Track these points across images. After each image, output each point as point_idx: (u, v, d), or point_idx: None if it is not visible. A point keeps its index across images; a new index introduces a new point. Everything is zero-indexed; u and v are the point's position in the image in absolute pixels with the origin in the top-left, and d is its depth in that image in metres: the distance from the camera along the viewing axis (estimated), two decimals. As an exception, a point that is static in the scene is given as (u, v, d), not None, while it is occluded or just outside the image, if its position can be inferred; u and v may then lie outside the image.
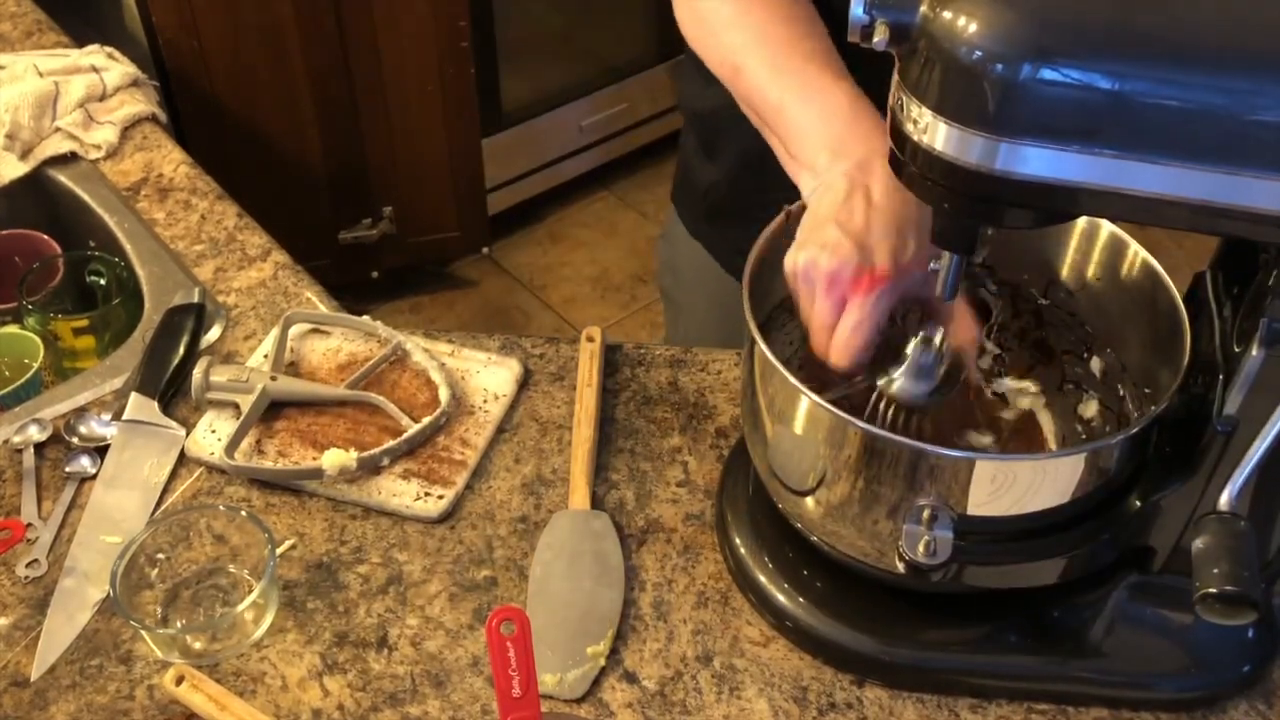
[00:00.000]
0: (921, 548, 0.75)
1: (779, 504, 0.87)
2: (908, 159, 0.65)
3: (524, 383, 1.07)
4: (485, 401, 1.04)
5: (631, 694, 0.85)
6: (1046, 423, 0.94)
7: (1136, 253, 0.84)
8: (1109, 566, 0.83)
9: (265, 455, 0.99)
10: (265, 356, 1.07)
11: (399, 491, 0.97)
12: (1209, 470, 0.74)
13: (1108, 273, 0.86)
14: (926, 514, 0.74)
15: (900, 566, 0.78)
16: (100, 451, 1.00)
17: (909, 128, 0.63)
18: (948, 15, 0.59)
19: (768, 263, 0.84)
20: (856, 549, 0.81)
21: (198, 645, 0.87)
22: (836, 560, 0.85)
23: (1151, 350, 0.82)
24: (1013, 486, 0.74)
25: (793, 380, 0.75)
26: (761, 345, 0.77)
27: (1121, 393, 0.87)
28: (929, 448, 0.73)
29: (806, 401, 0.75)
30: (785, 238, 0.86)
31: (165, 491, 0.98)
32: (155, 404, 1.02)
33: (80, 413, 1.03)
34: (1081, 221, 0.86)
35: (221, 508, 0.93)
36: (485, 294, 2.64)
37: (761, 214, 0.85)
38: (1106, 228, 0.85)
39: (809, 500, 0.81)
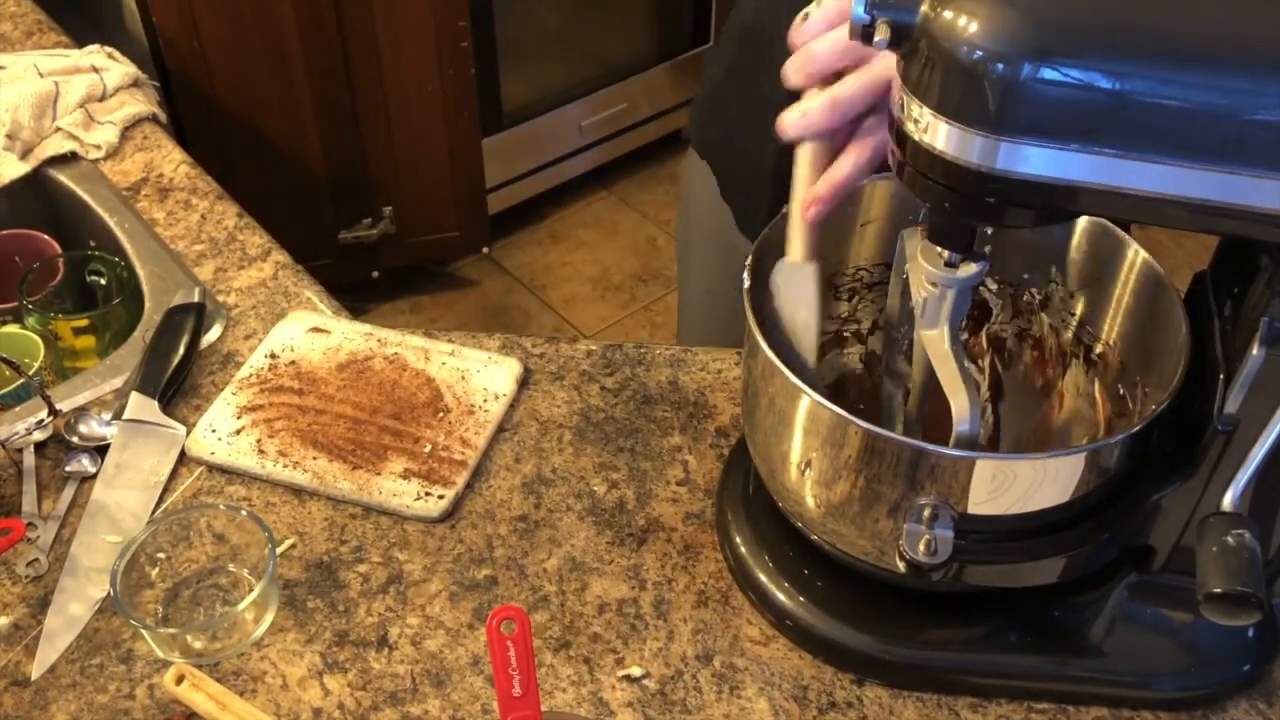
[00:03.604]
0: (922, 547, 0.75)
1: (779, 503, 0.87)
2: (908, 158, 0.65)
3: (524, 382, 1.07)
4: (485, 401, 1.04)
5: (632, 693, 0.85)
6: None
7: (1136, 253, 0.84)
8: (1109, 566, 0.83)
9: (266, 455, 0.99)
10: (267, 355, 1.07)
11: (399, 491, 0.97)
12: (1209, 470, 0.74)
13: (1108, 273, 0.86)
14: (927, 513, 0.74)
15: (901, 566, 0.78)
16: (100, 451, 1.01)
17: (909, 127, 0.63)
18: (948, 14, 0.59)
19: (768, 263, 0.84)
20: (857, 548, 0.82)
21: (198, 644, 0.87)
22: (837, 559, 0.85)
23: (1151, 350, 0.82)
24: (1013, 486, 0.74)
25: (793, 379, 0.75)
26: (762, 344, 0.77)
27: (1121, 392, 0.87)
28: (929, 446, 0.73)
29: (807, 400, 0.75)
30: (785, 238, 0.86)
31: (165, 491, 0.98)
32: (155, 403, 1.02)
33: (80, 412, 1.03)
34: (1082, 221, 0.86)
35: (222, 507, 0.93)
36: (485, 294, 2.64)
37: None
38: (1107, 228, 0.85)
39: (809, 499, 0.81)
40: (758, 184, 1.14)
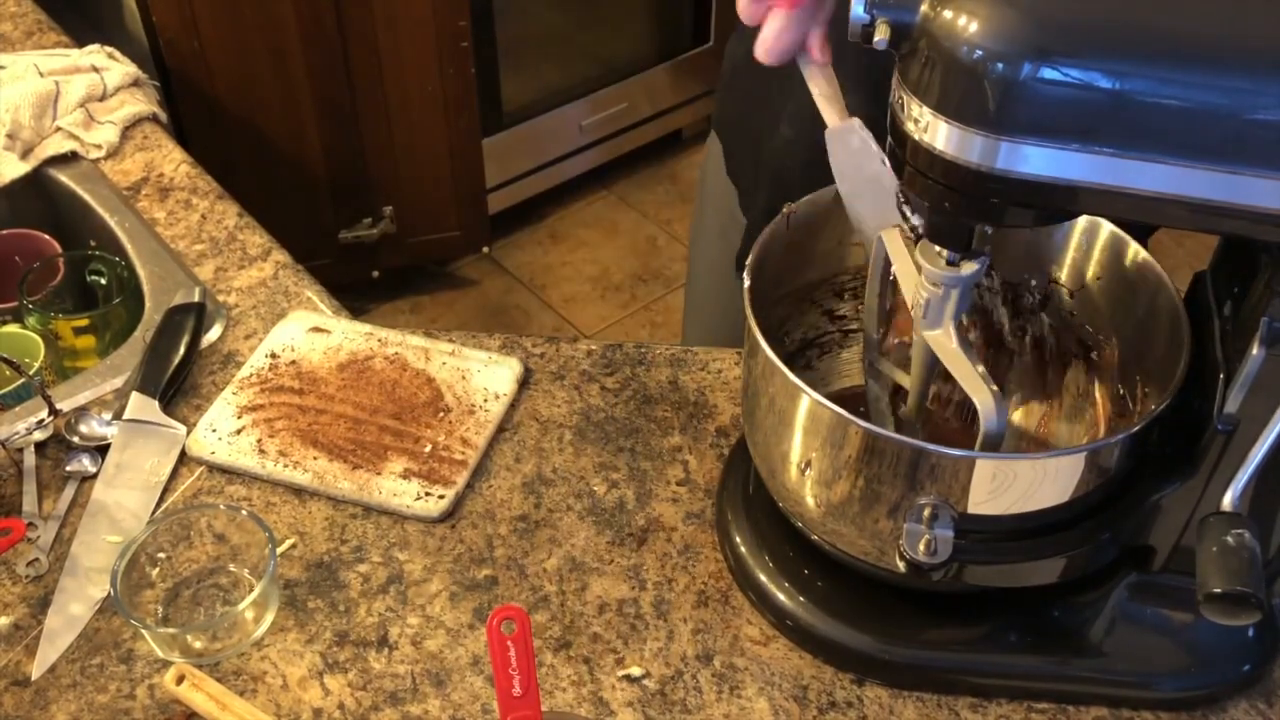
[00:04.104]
0: (922, 546, 0.75)
1: (779, 503, 0.87)
2: (908, 158, 0.65)
3: (524, 382, 1.07)
4: (485, 401, 1.04)
5: (632, 693, 0.85)
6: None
7: (1137, 253, 0.84)
8: (1109, 566, 0.83)
9: (266, 455, 0.99)
10: (267, 355, 1.07)
11: (399, 491, 0.97)
12: (1209, 470, 0.74)
13: (1108, 273, 0.86)
14: (927, 513, 0.74)
15: (901, 565, 0.78)
16: (101, 451, 1.01)
17: (909, 127, 0.63)
18: (948, 14, 0.59)
19: (768, 263, 0.84)
20: (857, 548, 0.82)
21: (198, 644, 0.87)
22: (837, 559, 0.85)
23: (1151, 350, 0.82)
24: (1013, 485, 0.74)
25: (793, 379, 0.75)
26: (763, 344, 0.77)
27: (1121, 392, 0.87)
28: (929, 446, 0.73)
29: (807, 400, 0.75)
30: (786, 238, 0.86)
31: (166, 490, 0.98)
32: (156, 403, 1.02)
33: (81, 412, 1.03)
34: (1081, 221, 0.86)
35: (222, 507, 0.93)
36: (485, 294, 2.64)
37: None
38: (1106, 228, 0.85)
39: (809, 499, 0.81)
40: (758, 168, 1.14)
